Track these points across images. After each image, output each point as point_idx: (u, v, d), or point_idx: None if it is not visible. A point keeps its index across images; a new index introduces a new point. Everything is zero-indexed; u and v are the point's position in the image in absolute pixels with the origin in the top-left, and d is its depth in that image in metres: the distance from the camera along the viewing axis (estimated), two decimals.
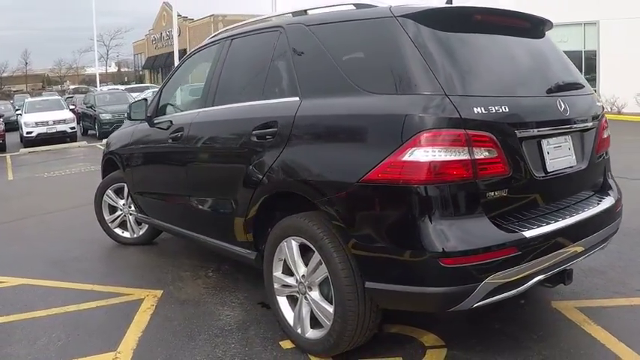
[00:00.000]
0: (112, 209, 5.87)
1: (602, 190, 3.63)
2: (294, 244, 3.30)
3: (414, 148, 2.72)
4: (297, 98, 3.36)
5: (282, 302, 3.49)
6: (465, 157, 2.74)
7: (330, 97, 3.22)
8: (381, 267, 2.88)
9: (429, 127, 2.72)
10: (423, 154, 2.71)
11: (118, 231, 5.87)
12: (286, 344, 3.52)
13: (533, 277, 2.94)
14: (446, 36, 3.02)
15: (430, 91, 2.79)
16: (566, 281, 3.18)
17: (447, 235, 2.71)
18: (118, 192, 5.79)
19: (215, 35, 4.64)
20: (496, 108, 2.87)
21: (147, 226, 5.69)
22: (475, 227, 2.77)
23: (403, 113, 2.79)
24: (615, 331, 3.47)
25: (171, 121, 4.65)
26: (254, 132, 3.55)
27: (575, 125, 3.34)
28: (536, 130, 3.09)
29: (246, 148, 3.63)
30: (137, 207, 5.39)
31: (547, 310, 3.83)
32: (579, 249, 3.19)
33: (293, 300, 3.45)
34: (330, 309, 3.10)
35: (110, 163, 5.84)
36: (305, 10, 3.79)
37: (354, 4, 3.44)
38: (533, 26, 3.51)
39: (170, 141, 4.54)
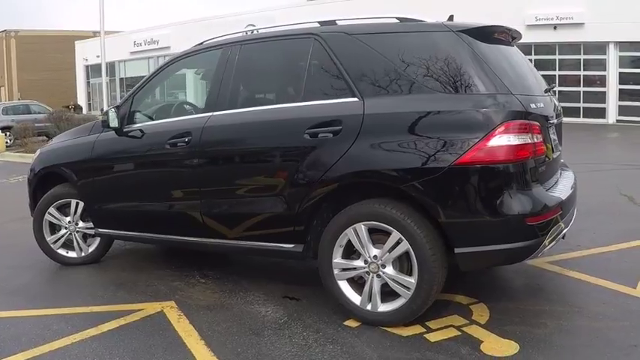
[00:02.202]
0: (53, 228, 5.25)
1: (564, 167, 4.48)
2: (364, 229, 3.59)
3: (497, 136, 3.33)
4: (357, 99, 3.68)
5: (344, 286, 3.75)
6: (529, 141, 3.43)
7: (399, 96, 3.62)
8: (473, 233, 3.42)
9: (508, 119, 3.37)
10: (505, 139, 3.34)
11: (62, 252, 5.27)
12: (351, 323, 3.75)
13: (563, 230, 3.72)
14: (489, 47, 3.66)
15: (502, 91, 3.44)
16: (565, 237, 3.96)
17: (526, 200, 3.38)
18: (61, 209, 5.22)
19: (203, 43, 4.58)
20: (537, 104, 3.62)
21: (96, 244, 5.23)
22: (540, 193, 3.50)
23: (486, 108, 3.41)
24: (585, 271, 4.54)
25: (159, 129, 4.51)
26: (308, 131, 3.75)
27: (557, 119, 4.17)
28: (550, 121, 3.88)
29: (296, 146, 3.82)
30: (100, 222, 4.95)
31: (531, 269, 4.68)
32: (574, 209, 4.05)
33: (354, 281, 3.72)
34: (411, 279, 3.50)
35: (46, 179, 5.26)
36: (334, 21, 4.06)
37: (396, 18, 3.85)
38: (515, 38, 4.21)
39: (169, 147, 4.36)
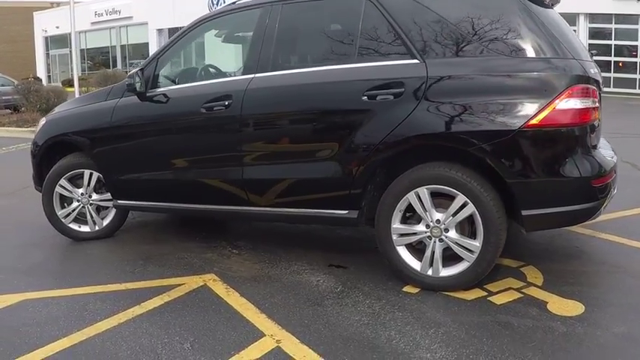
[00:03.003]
0: (64, 201, 4.82)
1: None
2: (427, 193, 3.46)
3: (564, 100, 3.28)
4: (417, 60, 3.53)
5: (403, 251, 3.62)
6: (591, 105, 3.39)
7: (462, 58, 3.50)
8: (540, 196, 3.36)
9: (573, 83, 3.32)
10: (572, 103, 3.29)
11: (74, 226, 4.85)
12: (410, 289, 3.62)
13: (613, 194, 3.64)
14: (545, 11, 3.55)
15: (565, 56, 3.38)
16: None
17: (591, 162, 3.36)
18: (72, 180, 4.79)
19: (236, 2, 4.27)
20: (593, 69, 3.52)
21: (111, 216, 4.83)
22: (600, 157, 3.48)
23: (552, 72, 3.34)
24: (616, 233, 4.56)
25: (191, 93, 4.23)
26: (367, 93, 3.56)
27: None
28: (600, 87, 3.69)
29: (354, 109, 3.63)
30: (120, 193, 4.55)
31: (564, 232, 4.59)
32: None
33: (412, 247, 3.62)
34: (476, 242, 3.41)
35: (53, 150, 4.82)
36: None
37: None
38: (554, 3, 3.97)
39: (204, 111, 4.02)
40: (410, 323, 3.19)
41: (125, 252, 4.53)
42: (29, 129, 13.76)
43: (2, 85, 18.14)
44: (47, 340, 3.13)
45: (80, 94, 15.26)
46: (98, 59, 36.21)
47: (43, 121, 5.00)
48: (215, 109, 4.00)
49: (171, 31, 32.33)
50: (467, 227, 3.48)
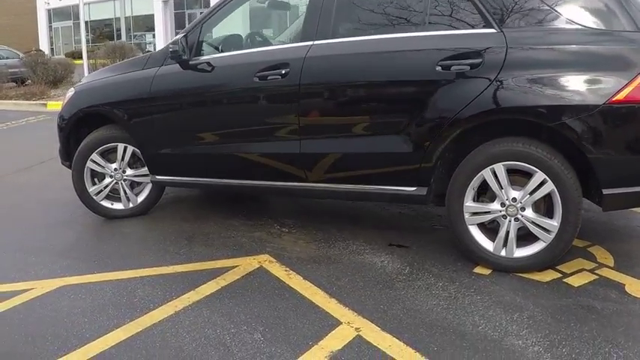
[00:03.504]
0: (95, 177, 4.47)
1: None
2: (503, 169, 3.22)
3: None
4: (495, 30, 3.26)
5: (475, 231, 3.38)
6: None
7: (543, 29, 3.24)
8: (624, 174, 3.16)
9: None
10: None
11: (106, 203, 4.51)
12: (481, 270, 3.36)
13: None
14: None
15: None
16: None
17: None
18: (105, 155, 4.43)
19: None
20: None
21: (146, 193, 4.49)
22: None
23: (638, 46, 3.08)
24: None
25: (240, 61, 3.90)
26: (441, 63, 3.28)
27: None
28: None
29: (426, 79, 3.36)
30: (159, 168, 4.20)
31: (618, 212, 4.23)
32: None
33: (483, 226, 3.40)
34: (554, 222, 3.20)
35: (82, 122, 4.45)
36: None
37: None
38: None
39: (257, 80, 3.67)
40: (491, 307, 2.94)
41: (165, 231, 4.18)
42: (38, 102, 13.38)
43: (7, 58, 17.64)
44: (98, 331, 2.81)
45: (89, 67, 14.82)
46: (102, 31, 35.47)
47: (71, 92, 4.61)
48: (269, 78, 3.65)
49: (177, 2, 31.68)
50: (542, 206, 3.26)
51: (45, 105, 13.06)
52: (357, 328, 2.77)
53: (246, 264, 3.53)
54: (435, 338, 2.67)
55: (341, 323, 2.82)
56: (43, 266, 3.65)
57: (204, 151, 3.97)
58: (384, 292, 3.13)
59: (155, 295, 3.17)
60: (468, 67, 3.24)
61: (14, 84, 16.08)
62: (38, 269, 3.61)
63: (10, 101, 13.90)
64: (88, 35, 34.39)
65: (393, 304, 2.99)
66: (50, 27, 37.12)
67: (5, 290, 3.32)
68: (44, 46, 35.37)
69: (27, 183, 5.98)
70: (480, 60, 3.22)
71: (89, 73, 14.75)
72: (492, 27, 3.27)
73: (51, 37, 37.21)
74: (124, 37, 32.84)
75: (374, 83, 3.51)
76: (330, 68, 3.58)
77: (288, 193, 4.00)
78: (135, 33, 33.44)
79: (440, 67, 3.29)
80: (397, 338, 2.68)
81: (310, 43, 3.61)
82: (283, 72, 3.61)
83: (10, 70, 15.98)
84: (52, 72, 14.81)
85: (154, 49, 27.84)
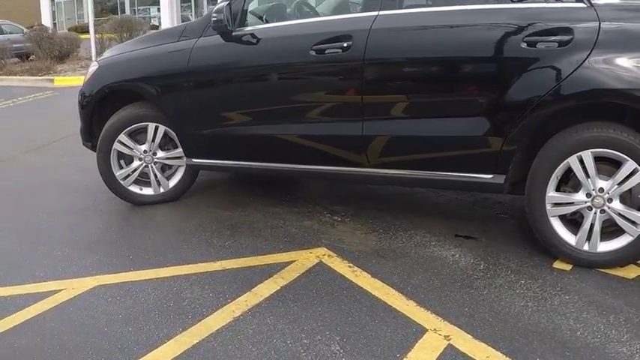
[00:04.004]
0: (121, 159, 4.02)
1: None
2: (591, 157, 2.89)
3: None
4: (584, 4, 2.88)
5: (556, 223, 3.03)
6: None
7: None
8: None
9: None
10: None
11: (134, 189, 4.08)
12: (561, 265, 3.01)
13: None
14: None
15: None
16: None
17: None
18: (133, 136, 3.99)
19: None
20: None
21: (178, 177, 4.05)
22: None
23: None
24: None
25: (293, 32, 3.46)
26: (527, 39, 2.89)
27: None
28: None
29: (509, 56, 2.97)
30: (196, 150, 3.76)
31: None
32: None
33: (564, 218, 3.04)
34: None
35: (107, 100, 4.01)
36: None
37: None
38: None
39: (314, 53, 3.22)
40: (584, 309, 2.60)
41: (203, 220, 3.75)
42: (44, 77, 12.90)
43: (11, 33, 17.06)
44: (147, 344, 2.40)
45: (96, 41, 14.27)
46: (104, 6, 34.60)
47: (94, 66, 4.13)
48: (328, 51, 3.21)
49: None
50: (628, 197, 2.93)
51: (52, 80, 12.57)
52: (446, 336, 2.39)
53: (304, 259, 3.11)
54: (535, 347, 2.33)
55: (427, 330, 2.44)
56: (70, 262, 3.24)
57: (250, 132, 3.53)
58: (464, 292, 2.75)
59: (206, 297, 2.75)
60: (556, 45, 2.86)
61: (18, 59, 15.55)
62: (66, 266, 3.19)
63: (16, 77, 13.41)
64: (96, 9, 33.69)
65: (479, 307, 2.62)
66: (53, 1, 36.26)
67: (32, 291, 2.92)
68: (46, 21, 34.53)
69: (39, 164, 5.54)
70: (570, 37, 2.84)
71: (96, 47, 14.22)
72: (582, 1, 2.90)
73: (53, 12, 36.36)
74: (127, 11, 32.02)
75: (449, 60, 3.09)
76: (399, 42, 3.14)
77: (345, 179, 3.57)
78: (139, 7, 32.63)
79: (525, 44, 2.87)
80: (493, 348, 2.32)
81: (375, 13, 3.17)
82: (345, 45, 3.16)
83: (14, 46, 15.42)
84: (57, 47, 14.28)
85: (159, 24, 27.17)
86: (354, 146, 3.28)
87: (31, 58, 15.51)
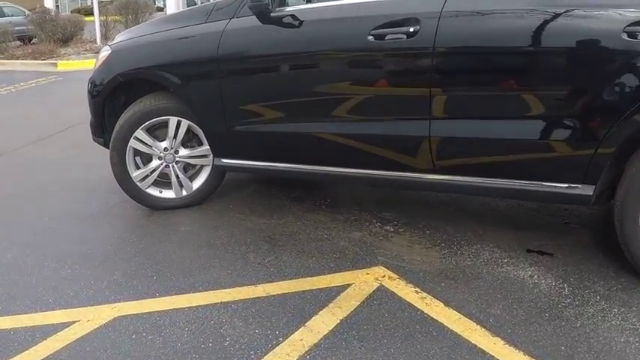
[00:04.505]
0: (137, 156, 3.51)
1: None
2: None
3: None
4: None
5: None
6: None
7: None
8: None
9: None
10: None
11: (153, 191, 3.57)
12: None
13: None
14: None
15: None
16: None
17: None
18: (151, 131, 3.47)
19: None
20: None
21: (203, 179, 3.54)
22: None
23: None
24: None
25: (343, 14, 2.89)
26: (628, 28, 2.34)
27: None
28: None
29: (610, 48, 2.43)
30: (226, 149, 3.25)
31: None
32: None
33: None
34: None
35: (120, 89, 3.49)
36: None
37: None
38: None
39: (372, 39, 2.70)
40: None
41: (235, 230, 3.24)
42: (47, 61, 12.34)
43: (12, 16, 16.45)
44: None
45: (100, 24, 13.67)
46: None
47: (105, 51, 3.60)
48: (390, 37, 2.68)
49: None
50: None
51: (55, 65, 12.01)
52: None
53: (361, 281, 2.61)
54: None
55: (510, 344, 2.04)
56: (83, 283, 2.74)
57: (292, 129, 3.01)
58: (555, 325, 2.29)
59: (252, 335, 2.26)
60: None
61: (20, 43, 14.96)
62: (78, 289, 2.70)
63: (18, 61, 12.84)
64: None
65: (576, 345, 2.18)
66: None
67: (39, 323, 2.43)
68: (49, 2, 33.84)
69: (43, 158, 5.03)
70: None
71: (101, 30, 13.64)
72: None
73: None
74: None
75: (538, 52, 2.55)
76: (478, 28, 2.60)
77: (404, 186, 3.06)
78: None
79: (625, 35, 2.36)
80: None
81: None
82: (411, 30, 2.63)
83: (15, 29, 14.80)
84: (60, 29, 13.69)
85: (164, 6, 26.43)
86: (418, 149, 2.76)
87: (33, 41, 14.93)
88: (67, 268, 2.90)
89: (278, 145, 3.10)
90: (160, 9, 22.90)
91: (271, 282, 2.64)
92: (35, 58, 12.67)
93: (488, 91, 2.65)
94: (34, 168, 4.73)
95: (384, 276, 2.66)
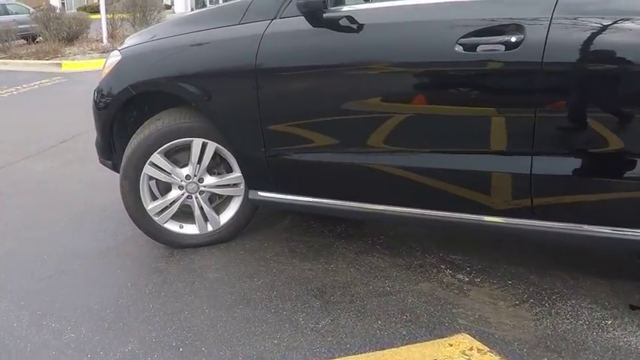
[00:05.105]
0: (151, 181, 2.92)
1: None
2: None
3: None
4: None
5: None
6: None
7: None
8: None
9: None
10: None
11: (172, 226, 2.97)
12: None
13: None
14: None
15: None
16: None
17: None
18: (170, 154, 2.86)
19: None
20: None
21: (233, 210, 2.94)
22: None
23: None
24: None
25: (427, 17, 2.25)
26: None
27: None
28: None
29: None
30: (264, 181, 2.65)
31: None
32: None
33: None
34: None
35: (132, 103, 2.91)
36: None
37: None
38: None
39: (461, 50, 2.10)
40: None
41: (275, 278, 2.64)
42: (51, 61, 11.77)
43: (17, 14, 15.86)
44: None
45: (107, 21, 13.07)
46: None
47: (115, 56, 2.98)
48: (483, 48, 2.06)
49: None
50: None
51: (59, 65, 11.44)
52: None
53: (444, 357, 2.01)
54: None
55: None
56: (90, 355, 2.16)
57: (349, 159, 2.40)
58: None
59: None
60: None
61: (24, 41, 14.38)
62: None
63: (21, 61, 12.27)
64: None
65: None
66: None
67: None
68: (54, 0, 33.32)
69: (44, 175, 4.45)
70: None
71: (107, 28, 13.04)
72: None
73: None
74: None
75: None
76: (603, 40, 1.94)
77: (492, 231, 2.41)
78: None
79: None
80: None
81: None
82: (513, 40, 2.01)
83: (19, 27, 14.23)
84: (66, 28, 13.12)
85: (172, 4, 25.79)
86: (513, 189, 2.15)
87: (38, 40, 14.37)
88: (69, 331, 2.33)
89: (332, 178, 2.50)
90: (168, 7, 22.30)
91: (332, 359, 2.04)
92: (39, 58, 12.10)
93: (615, 120, 2.02)
94: (33, 188, 4.15)
95: (472, 348, 2.07)
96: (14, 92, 8.99)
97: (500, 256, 2.75)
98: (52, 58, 12.01)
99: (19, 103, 8.06)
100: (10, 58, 12.56)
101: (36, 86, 9.52)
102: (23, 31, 14.34)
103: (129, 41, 3.13)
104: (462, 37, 2.08)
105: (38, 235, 3.26)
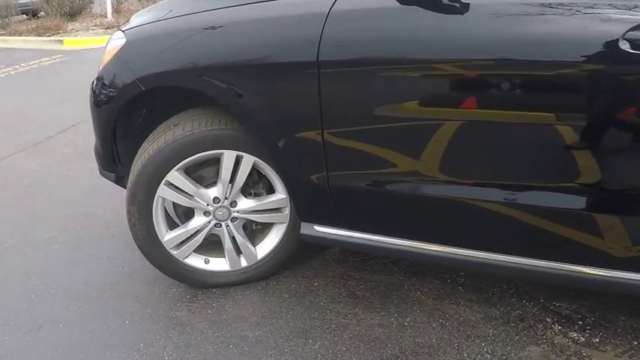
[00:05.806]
0: (171, 208, 2.25)
1: None
2: None
3: None
4: None
5: None
6: None
7: None
8: None
9: None
10: None
11: (194, 262, 2.28)
12: None
13: None
14: None
15: None
16: None
17: None
18: (193, 171, 2.16)
19: None
20: None
21: (275, 241, 2.25)
22: None
23: None
24: None
25: None
26: None
27: None
28: None
29: None
30: (321, 212, 1.95)
31: None
32: None
33: None
34: None
35: (140, 100, 2.21)
36: None
37: None
38: None
39: (628, 47, 1.41)
40: None
41: (338, 340, 1.99)
42: (52, 38, 11.00)
43: None
44: None
45: None
46: None
47: (117, 39, 2.24)
48: None
49: None
50: None
51: (61, 42, 10.67)
52: None
53: None
54: None
55: None
56: None
57: (450, 193, 1.70)
58: None
59: None
60: None
61: (25, 16, 13.60)
62: None
63: (20, 37, 11.49)
64: None
65: None
66: None
67: None
68: None
69: (37, 176, 3.77)
70: None
71: (112, 2, 12.22)
72: None
73: None
74: None
75: None
76: None
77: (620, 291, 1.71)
78: None
79: None
80: None
81: None
82: None
83: (19, 1, 13.42)
84: (68, 2, 12.34)
85: None
86: None
87: (39, 15, 13.59)
88: None
89: (424, 215, 1.79)
90: None
91: None
92: (39, 35, 11.32)
93: None
94: (24, 192, 3.50)
95: None
96: (11, 72, 8.26)
97: (614, 301, 2.06)
98: (54, 34, 11.25)
99: (16, 86, 7.34)
100: (9, 34, 11.79)
101: (35, 65, 8.78)
102: (23, 6, 13.52)
103: (136, 19, 2.39)
104: (630, 31, 1.37)
105: (25, 264, 2.59)
